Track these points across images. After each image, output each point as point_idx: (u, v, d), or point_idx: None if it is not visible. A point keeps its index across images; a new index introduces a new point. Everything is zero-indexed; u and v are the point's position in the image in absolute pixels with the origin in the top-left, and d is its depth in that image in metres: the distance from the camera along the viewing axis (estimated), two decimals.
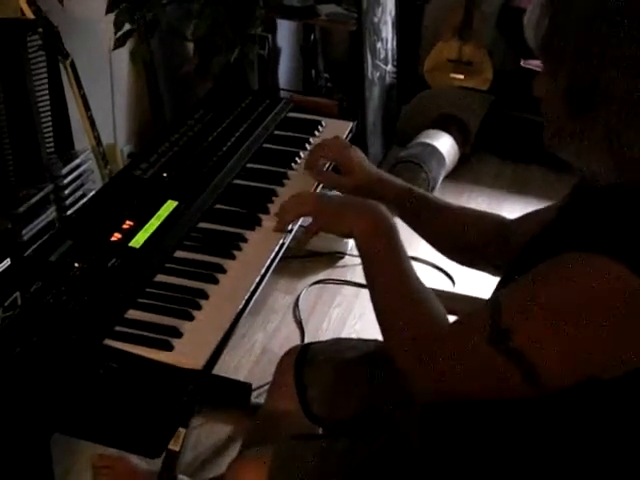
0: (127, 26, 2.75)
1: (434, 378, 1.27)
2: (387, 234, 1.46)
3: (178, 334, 1.37)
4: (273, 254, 1.63)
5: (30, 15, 2.58)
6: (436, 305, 1.36)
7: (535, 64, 4.14)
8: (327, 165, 1.87)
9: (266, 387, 1.96)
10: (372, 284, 1.43)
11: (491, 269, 1.72)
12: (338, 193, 1.76)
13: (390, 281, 1.40)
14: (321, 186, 1.89)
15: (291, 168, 1.94)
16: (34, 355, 1.27)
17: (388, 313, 1.38)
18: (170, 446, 1.27)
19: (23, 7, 2.58)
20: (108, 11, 2.66)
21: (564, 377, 1.18)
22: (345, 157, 1.79)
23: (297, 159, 1.97)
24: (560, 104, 1.27)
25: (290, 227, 1.68)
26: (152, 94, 3.38)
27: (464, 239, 1.72)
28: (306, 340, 2.99)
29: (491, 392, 1.25)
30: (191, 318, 1.41)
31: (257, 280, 1.55)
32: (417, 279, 1.40)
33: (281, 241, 1.67)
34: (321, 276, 3.46)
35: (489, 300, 1.29)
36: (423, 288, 1.39)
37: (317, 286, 3.40)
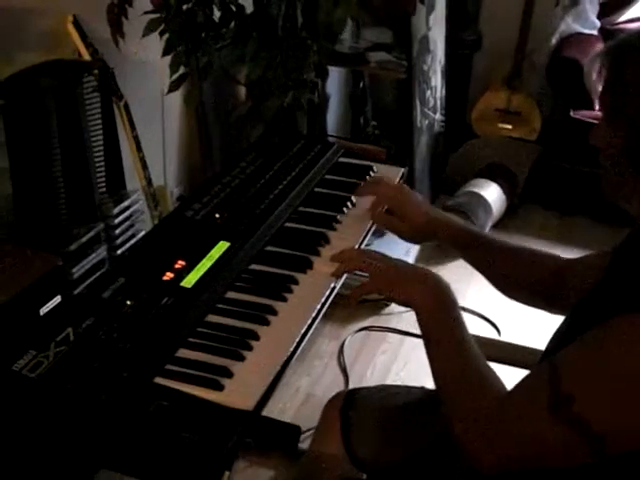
0: (182, 69, 2.78)
1: (495, 453, 1.25)
2: (450, 311, 1.45)
3: (229, 374, 1.36)
4: (324, 297, 1.63)
5: (87, 57, 2.63)
6: (495, 378, 1.35)
7: (585, 115, 4.13)
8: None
9: (310, 432, 1.94)
10: (433, 359, 1.42)
11: (546, 306, 1.71)
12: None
13: (452, 358, 1.39)
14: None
15: (342, 212, 1.94)
16: (85, 390, 1.27)
17: (449, 389, 1.37)
18: None
19: (80, 49, 2.63)
20: (165, 54, 2.69)
21: (629, 443, 1.15)
22: (398, 203, 1.79)
23: (348, 203, 1.97)
24: (620, 158, 1.25)
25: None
26: (203, 138, 3.41)
27: (521, 277, 1.71)
28: (350, 387, 2.97)
29: (553, 460, 1.23)
30: (242, 359, 1.41)
31: (308, 322, 1.54)
32: (478, 354, 1.39)
33: (332, 284, 1.66)
34: (366, 323, 3.44)
35: (545, 365, 1.25)
36: (484, 364, 1.37)
37: (362, 333, 3.38)
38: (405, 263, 1.64)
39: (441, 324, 1.43)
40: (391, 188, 1.85)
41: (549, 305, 1.70)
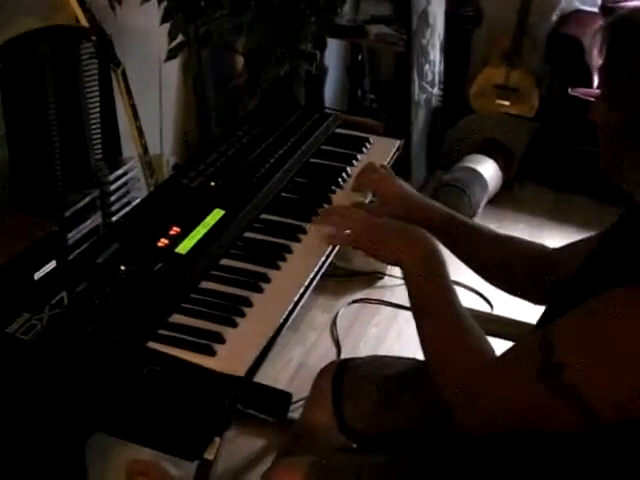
0: (180, 37, 2.77)
1: (481, 414, 1.26)
2: (439, 270, 1.45)
3: (221, 340, 1.37)
4: (318, 266, 1.63)
5: (84, 23, 2.61)
6: (484, 340, 1.35)
7: (583, 92, 4.12)
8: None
9: (302, 402, 1.95)
10: (420, 319, 1.42)
11: (532, 298, 1.70)
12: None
13: (440, 319, 1.39)
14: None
15: (337, 183, 1.94)
16: (78, 353, 1.28)
17: (436, 349, 1.37)
18: (205, 455, 1.27)
19: (78, 15, 2.61)
20: (163, 21, 2.68)
21: (620, 413, 1.15)
22: (380, 189, 1.80)
23: (344, 174, 1.97)
24: (619, 134, 1.24)
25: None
26: (200, 106, 3.40)
27: (506, 267, 1.71)
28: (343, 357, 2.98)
29: (539, 427, 1.23)
30: (235, 325, 1.42)
31: (301, 291, 1.55)
32: (466, 315, 1.38)
33: (326, 252, 1.67)
34: (360, 295, 3.45)
35: (538, 333, 1.24)
36: (472, 325, 1.37)
37: (355, 305, 3.39)
38: (395, 222, 1.61)
39: (429, 284, 1.43)
40: (374, 178, 1.86)
41: (535, 296, 1.69)
